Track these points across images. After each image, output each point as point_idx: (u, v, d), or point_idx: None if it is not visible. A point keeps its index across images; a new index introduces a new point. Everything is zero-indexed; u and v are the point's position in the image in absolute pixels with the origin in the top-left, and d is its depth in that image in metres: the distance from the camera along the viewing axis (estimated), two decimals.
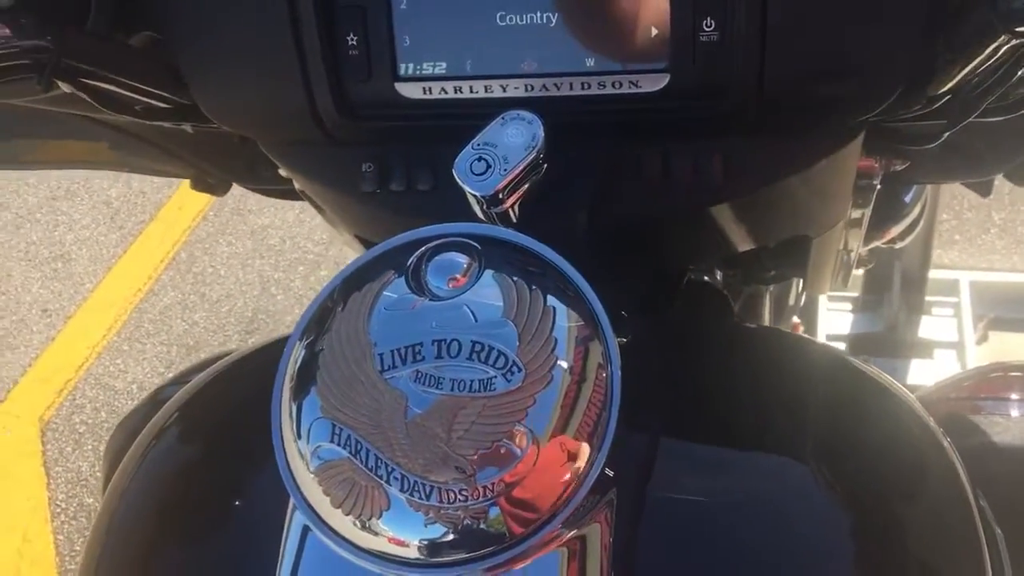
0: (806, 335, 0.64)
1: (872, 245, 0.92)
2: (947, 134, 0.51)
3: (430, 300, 0.39)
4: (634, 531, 0.45)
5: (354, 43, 0.52)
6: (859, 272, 1.92)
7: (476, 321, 0.38)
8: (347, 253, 0.49)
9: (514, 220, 0.49)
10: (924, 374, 1.83)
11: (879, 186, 0.65)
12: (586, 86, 0.51)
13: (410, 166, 0.55)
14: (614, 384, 0.39)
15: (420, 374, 0.38)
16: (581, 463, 0.38)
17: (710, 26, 0.48)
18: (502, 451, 0.37)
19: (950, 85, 0.47)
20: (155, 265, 2.66)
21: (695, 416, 0.52)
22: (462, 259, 0.40)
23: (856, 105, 0.49)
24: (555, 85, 0.51)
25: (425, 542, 0.37)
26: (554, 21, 0.51)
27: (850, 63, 0.47)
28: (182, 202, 2.83)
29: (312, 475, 0.38)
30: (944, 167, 0.67)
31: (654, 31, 0.49)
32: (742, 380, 0.55)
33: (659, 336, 0.57)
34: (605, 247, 0.57)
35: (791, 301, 0.97)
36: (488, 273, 0.40)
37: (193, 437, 0.60)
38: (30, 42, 0.46)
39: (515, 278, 0.40)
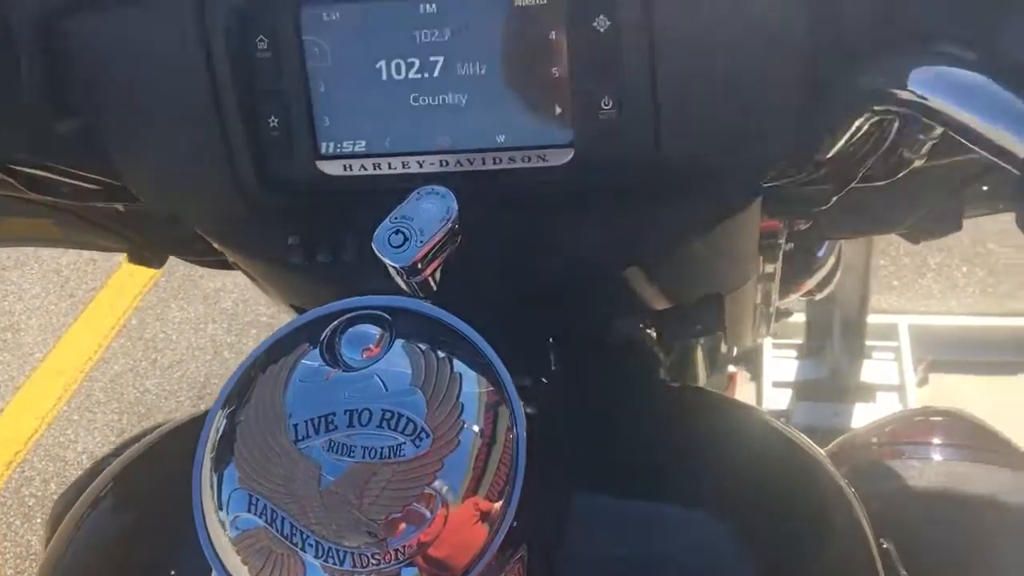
0: (721, 393, 0.66)
1: (789, 298, 0.96)
2: (835, 198, 0.54)
3: (343, 371, 0.41)
4: None
5: (275, 125, 0.54)
6: (799, 320, 1.98)
7: (386, 390, 0.40)
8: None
9: (434, 288, 0.51)
10: (867, 417, 1.88)
11: (784, 244, 0.69)
12: (497, 160, 0.54)
13: (334, 238, 0.57)
14: (519, 446, 0.41)
15: (333, 443, 0.39)
16: (491, 522, 0.40)
17: (608, 104, 0.51)
18: (412, 514, 0.38)
19: (830, 154, 0.51)
20: (105, 332, 2.64)
21: (606, 474, 0.54)
22: (374, 330, 0.43)
23: (745, 174, 0.52)
24: (468, 160, 0.54)
25: None
26: (464, 102, 0.54)
27: (735, 136, 0.51)
28: (133, 269, 2.82)
29: (231, 544, 0.40)
30: (846, 226, 0.71)
31: (558, 109, 0.52)
32: (654, 437, 0.57)
33: (577, 396, 0.60)
34: (524, 311, 0.60)
35: (723, 351, 1.00)
36: (399, 343, 0.42)
37: (123, 508, 0.60)
38: None
39: (424, 347, 0.42)
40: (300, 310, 0.70)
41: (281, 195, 0.56)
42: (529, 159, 0.53)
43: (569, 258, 0.56)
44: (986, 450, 0.76)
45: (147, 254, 0.77)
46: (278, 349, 0.43)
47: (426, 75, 0.54)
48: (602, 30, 0.50)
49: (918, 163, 0.55)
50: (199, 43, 0.53)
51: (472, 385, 0.41)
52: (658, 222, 0.56)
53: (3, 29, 0.51)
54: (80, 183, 0.57)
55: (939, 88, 0.40)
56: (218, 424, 0.42)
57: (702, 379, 0.98)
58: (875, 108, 0.44)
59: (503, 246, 0.55)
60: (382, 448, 0.39)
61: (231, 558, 0.40)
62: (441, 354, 0.42)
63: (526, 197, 0.55)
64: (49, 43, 0.52)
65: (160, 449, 0.63)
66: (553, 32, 0.51)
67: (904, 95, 0.43)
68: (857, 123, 0.47)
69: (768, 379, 1.93)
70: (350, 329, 0.43)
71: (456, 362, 0.42)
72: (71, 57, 0.53)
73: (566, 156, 0.53)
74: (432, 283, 0.51)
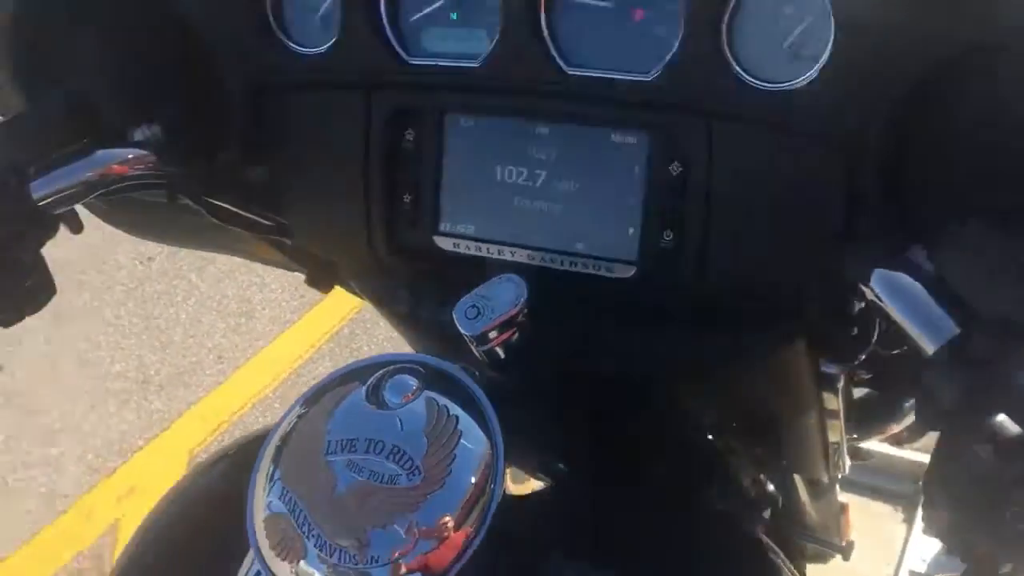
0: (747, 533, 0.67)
1: (872, 439, 0.94)
2: (861, 355, 0.58)
3: (378, 408, 0.52)
4: None
5: (408, 201, 0.67)
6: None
7: (401, 430, 0.50)
8: None
9: (500, 357, 0.61)
10: None
11: (845, 385, 0.72)
12: (572, 264, 0.63)
13: (432, 299, 0.68)
14: (493, 501, 0.49)
15: (352, 462, 0.50)
16: (457, 553, 0.48)
17: (669, 236, 0.59)
18: (392, 532, 0.48)
19: (855, 310, 0.56)
20: (320, 335, 2.93)
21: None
22: (412, 382, 0.53)
23: (781, 309, 0.58)
24: (549, 259, 0.64)
25: None
26: (557, 210, 0.63)
27: (771, 274, 0.57)
28: None
29: (263, 522, 0.51)
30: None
31: (630, 231, 0.61)
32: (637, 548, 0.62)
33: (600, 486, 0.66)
34: (581, 396, 0.68)
35: (824, 480, 1.00)
36: (425, 395, 0.52)
37: (188, 516, 0.72)
38: (169, 168, 0.64)
39: (443, 403, 0.51)
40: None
41: (402, 258, 0.68)
42: (599, 268, 0.62)
43: (620, 360, 0.64)
44: None
45: (318, 280, 0.92)
46: (339, 382, 0.55)
47: (531, 183, 0.64)
48: (674, 173, 0.59)
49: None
50: (362, 130, 0.66)
51: (473, 443, 0.51)
52: (706, 348, 0.62)
53: (223, 92, 0.67)
54: (256, 219, 0.72)
55: (884, 288, 0.46)
56: (284, 430, 0.54)
57: (803, 497, 1.00)
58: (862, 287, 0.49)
59: (562, 338, 0.64)
60: (384, 474, 0.49)
61: (260, 532, 0.51)
62: (453, 412, 0.51)
63: (590, 300, 0.63)
64: (254, 109, 0.68)
65: (230, 460, 0.75)
66: (636, 168, 0.60)
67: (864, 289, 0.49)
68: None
69: (907, 565, 1.78)
70: (396, 377, 0.53)
71: (464, 422, 0.51)
72: (267, 122, 0.68)
73: (629, 271, 0.61)
74: (499, 353, 0.60)
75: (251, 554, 0.55)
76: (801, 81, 0.53)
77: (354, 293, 0.94)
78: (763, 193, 0.55)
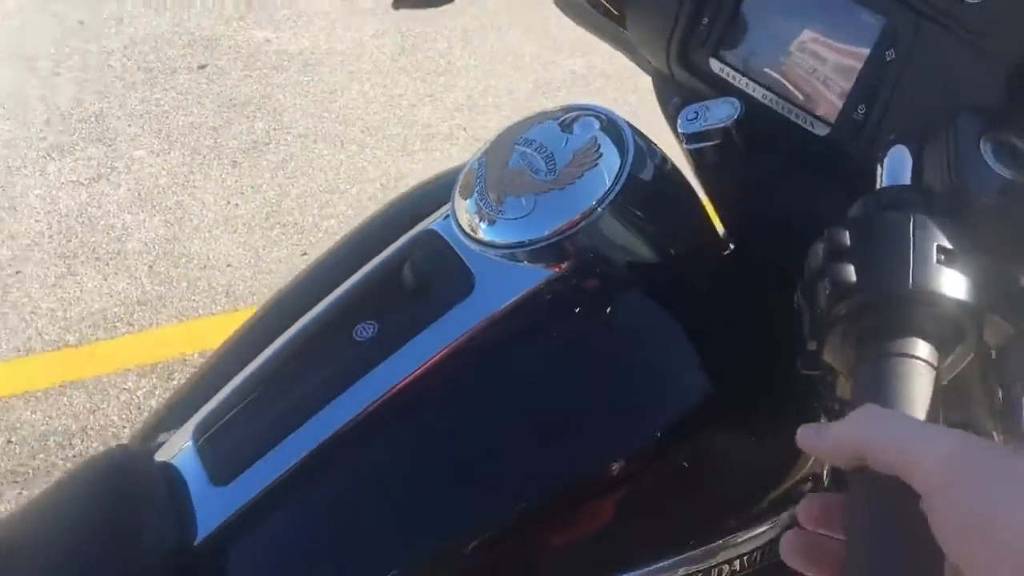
0: None
1: None
2: None
3: (561, 132, 0.70)
4: None
5: (704, 24, 0.80)
6: None
7: (563, 146, 0.68)
8: None
9: (699, 160, 0.74)
10: None
11: None
12: (787, 110, 0.72)
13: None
14: (588, 219, 0.65)
15: (525, 153, 0.68)
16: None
17: (862, 110, 0.66)
18: (518, 201, 0.67)
19: None
20: None
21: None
22: (596, 124, 0.70)
23: None
24: (771, 99, 0.73)
25: (478, 230, 0.69)
26: (794, 62, 0.72)
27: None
28: None
29: (463, 174, 0.73)
30: None
31: (838, 96, 0.69)
32: None
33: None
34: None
35: None
36: (596, 133, 0.68)
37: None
38: None
39: (600, 141, 0.67)
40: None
41: (684, 70, 0.82)
42: (803, 119, 0.71)
43: (793, 199, 0.72)
44: None
45: None
46: (545, 116, 0.73)
47: (782, 40, 0.73)
48: (888, 60, 0.65)
49: None
50: None
51: (600, 179, 0.66)
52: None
53: None
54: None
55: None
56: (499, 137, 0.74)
57: None
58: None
59: (752, 164, 0.74)
60: (535, 166, 0.67)
61: (460, 178, 0.73)
62: (602, 150, 0.67)
63: (783, 144, 0.72)
64: None
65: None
66: (864, 46, 0.67)
67: None
68: None
69: None
70: (586, 119, 0.71)
71: (605, 160, 0.67)
72: None
73: (824, 130, 0.69)
74: (697, 157, 0.74)
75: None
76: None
77: None
78: (940, 93, 0.60)
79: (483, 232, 0.68)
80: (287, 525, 0.67)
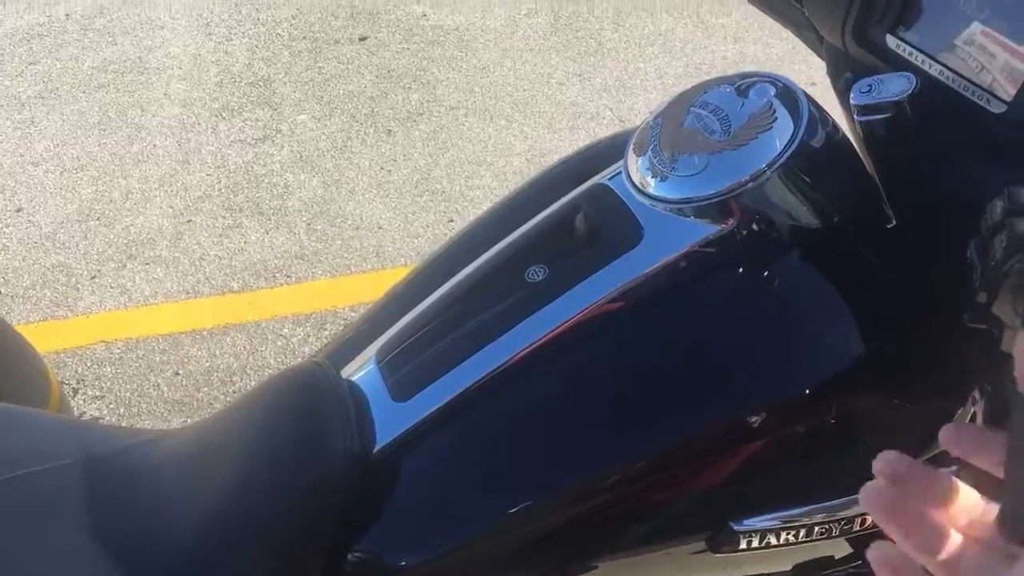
0: None
1: None
2: None
3: (738, 96, 0.73)
4: None
5: (882, 1, 0.81)
6: None
7: (739, 109, 0.71)
8: None
9: (870, 133, 0.76)
10: None
11: None
12: (964, 86, 0.73)
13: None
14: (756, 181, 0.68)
15: (700, 115, 0.72)
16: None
17: None
18: (691, 159, 0.71)
19: None
20: None
21: None
22: (772, 90, 0.73)
23: None
24: (947, 75, 0.74)
25: (649, 185, 0.74)
26: (973, 38, 0.73)
27: None
28: None
29: (639, 132, 0.77)
30: None
31: (1019, 72, 0.69)
32: None
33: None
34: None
35: None
36: (771, 98, 0.72)
37: None
38: None
39: (775, 107, 0.70)
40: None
41: (861, 46, 0.84)
42: (978, 96, 0.72)
43: (958, 183, 0.73)
44: None
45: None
46: (722, 80, 0.76)
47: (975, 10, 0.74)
48: None
49: None
50: None
51: (773, 142, 0.70)
52: None
53: None
54: None
55: None
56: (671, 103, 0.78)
57: None
58: None
59: (926, 142, 0.75)
60: (710, 127, 0.71)
61: (634, 136, 0.78)
62: (778, 115, 0.70)
63: (958, 122, 0.73)
64: None
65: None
66: None
67: None
68: None
69: None
70: (761, 85, 0.74)
71: (779, 125, 0.70)
72: None
73: (1001, 108, 0.70)
74: (862, 129, 0.76)
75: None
76: None
77: None
78: None
79: (654, 188, 0.72)
80: (456, 441, 0.74)
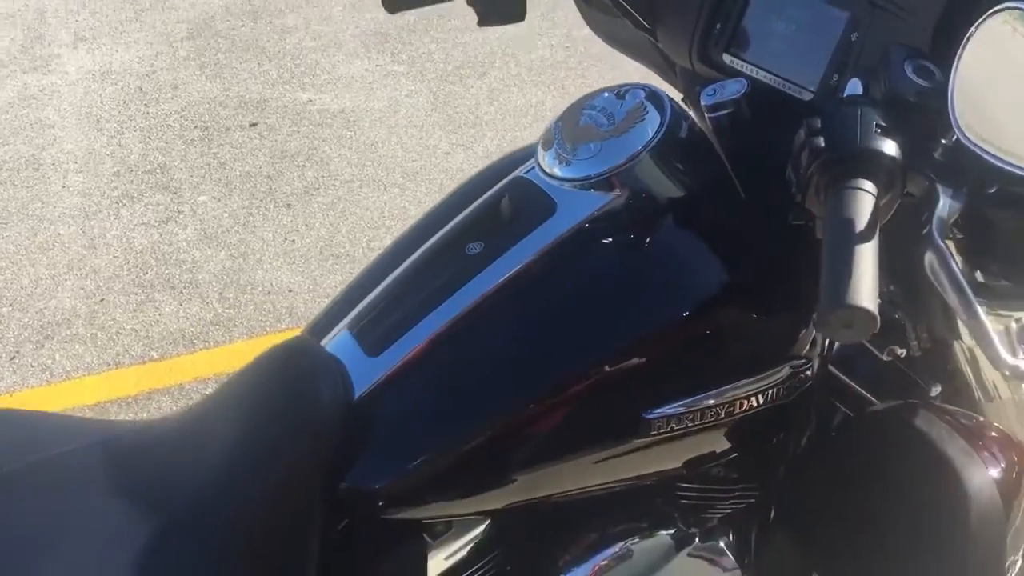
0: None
1: None
2: None
3: (617, 99, 0.98)
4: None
5: (719, 28, 1.07)
6: None
7: (620, 107, 0.95)
8: None
9: (717, 127, 1.01)
10: None
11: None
12: (780, 84, 0.99)
13: None
14: (634, 161, 0.92)
15: (587, 114, 0.96)
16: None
17: (835, 78, 0.93)
18: (587, 146, 0.94)
19: None
20: None
21: None
22: (641, 94, 0.97)
23: None
24: (769, 78, 1.00)
25: (556, 170, 0.97)
26: (785, 49, 1.00)
27: None
28: None
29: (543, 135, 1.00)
30: None
31: (819, 67, 0.96)
32: None
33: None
34: None
35: None
36: (642, 100, 0.96)
37: None
38: None
39: (646, 107, 0.95)
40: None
41: (704, 65, 1.09)
42: (789, 88, 0.98)
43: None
44: None
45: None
46: (605, 90, 1.01)
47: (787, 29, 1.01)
48: (852, 39, 0.92)
49: None
50: None
51: (644, 130, 0.94)
52: None
53: None
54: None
55: None
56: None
57: None
58: None
59: (759, 129, 1.01)
60: (599, 121, 0.95)
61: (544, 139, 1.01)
62: (647, 111, 0.94)
63: (781, 113, 0.99)
64: None
65: None
66: (841, 30, 0.94)
67: None
68: None
69: None
70: (635, 90, 0.98)
71: (648, 118, 0.94)
72: None
73: (807, 96, 0.96)
74: (712, 124, 1.01)
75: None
76: None
77: None
78: None
79: (560, 171, 0.95)
80: (420, 382, 0.93)
